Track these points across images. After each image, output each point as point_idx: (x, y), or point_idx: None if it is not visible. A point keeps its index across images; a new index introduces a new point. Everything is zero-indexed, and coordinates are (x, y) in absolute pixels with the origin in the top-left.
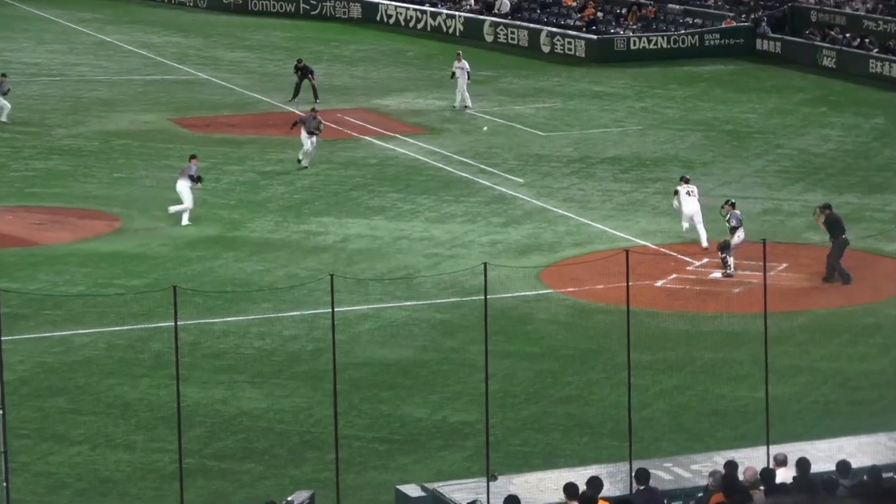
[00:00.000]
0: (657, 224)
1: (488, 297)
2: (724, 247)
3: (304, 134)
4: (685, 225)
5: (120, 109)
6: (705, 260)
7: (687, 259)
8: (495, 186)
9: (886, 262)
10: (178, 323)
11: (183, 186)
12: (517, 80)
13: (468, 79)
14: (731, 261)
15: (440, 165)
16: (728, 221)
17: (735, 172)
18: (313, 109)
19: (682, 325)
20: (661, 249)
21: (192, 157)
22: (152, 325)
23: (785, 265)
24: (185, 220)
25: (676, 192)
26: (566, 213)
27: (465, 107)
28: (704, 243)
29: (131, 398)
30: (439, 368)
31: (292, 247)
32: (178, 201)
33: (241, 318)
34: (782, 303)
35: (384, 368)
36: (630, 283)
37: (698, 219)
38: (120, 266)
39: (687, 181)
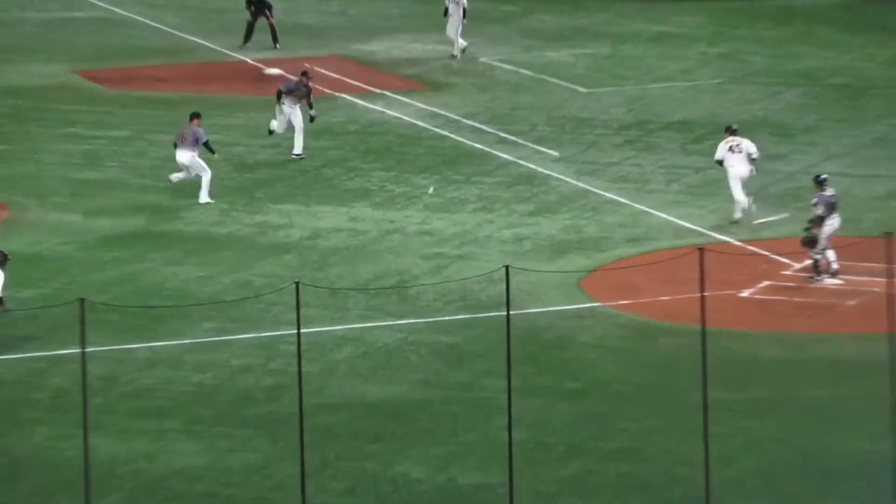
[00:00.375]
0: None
1: (511, 312)
2: (809, 242)
3: (286, 107)
4: (739, 198)
5: (8, 59)
6: (808, 261)
7: (784, 260)
8: (521, 162)
9: None
10: (87, 349)
11: (188, 158)
12: (549, 17)
13: (464, 17)
14: (830, 255)
15: (445, 133)
16: (813, 207)
17: (848, 141)
18: (304, 74)
19: (777, 350)
20: (748, 247)
21: (195, 116)
22: (51, 353)
23: None
24: (204, 197)
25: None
26: (617, 198)
27: (453, 55)
28: (737, 213)
29: (21, 454)
30: (445, 411)
31: (243, 245)
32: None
33: (173, 342)
34: None
35: (369, 411)
36: (706, 294)
37: (739, 186)
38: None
39: (734, 132)
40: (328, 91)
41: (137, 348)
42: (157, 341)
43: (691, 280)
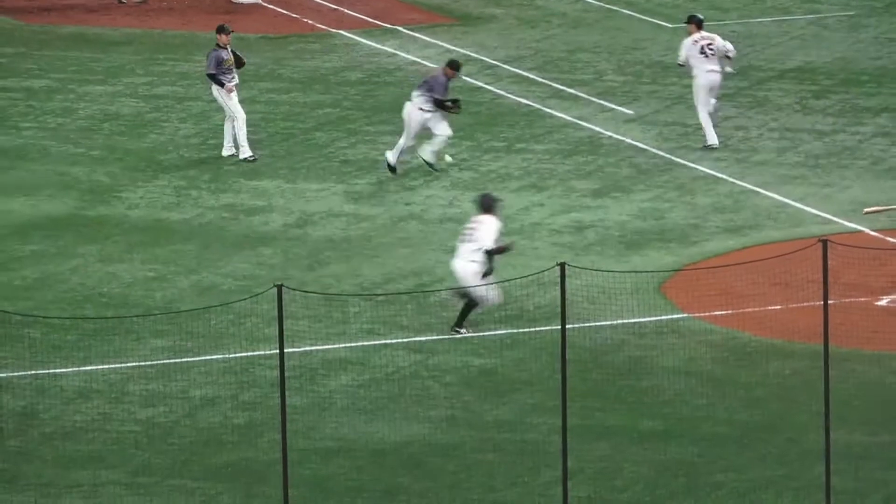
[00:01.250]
0: (881, 193)
1: (568, 326)
2: None
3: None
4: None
5: None
6: None
7: None
8: (582, 123)
9: None
10: None
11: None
12: None
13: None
14: None
15: (481, 84)
16: None
17: None
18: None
19: None
20: (889, 239)
21: (452, 64)
22: None
23: None
24: (446, 158)
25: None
26: (712, 173)
27: None
28: (709, 140)
29: None
30: (478, 459)
31: (206, 235)
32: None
33: (112, 365)
34: None
35: (376, 459)
36: (831, 302)
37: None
38: None
39: (699, 26)
40: (320, 26)
41: (65, 374)
42: (92, 365)
43: (811, 284)
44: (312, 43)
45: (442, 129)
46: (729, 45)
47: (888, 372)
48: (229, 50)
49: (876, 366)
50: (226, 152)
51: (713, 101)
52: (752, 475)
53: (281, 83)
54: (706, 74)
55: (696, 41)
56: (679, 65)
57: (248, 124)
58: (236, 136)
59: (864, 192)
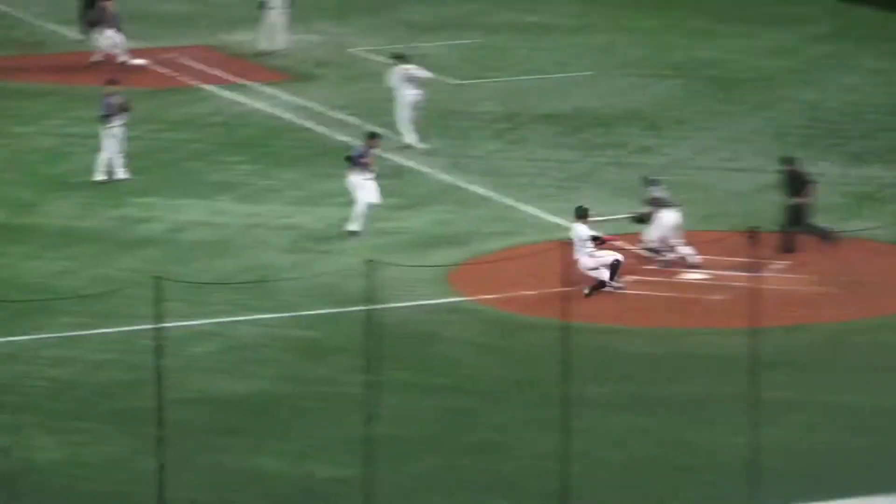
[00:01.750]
0: (610, 206)
1: (374, 307)
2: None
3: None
4: (406, 129)
5: None
6: (671, 255)
7: (648, 254)
8: (388, 155)
9: None
10: None
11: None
12: (420, 7)
13: (289, 6)
14: (684, 249)
15: (311, 126)
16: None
17: (721, 134)
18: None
19: (640, 345)
20: (615, 241)
21: (372, 136)
22: None
23: (785, 263)
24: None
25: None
26: (486, 192)
27: (263, 51)
28: (406, 140)
29: None
30: (304, 406)
31: (105, 238)
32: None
33: (29, 336)
34: (778, 315)
35: (228, 406)
36: (569, 288)
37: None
38: None
39: (405, 59)
40: (192, 82)
41: None
42: (14, 336)
43: (557, 275)
44: (186, 95)
45: (364, 196)
46: (426, 73)
47: (610, 340)
48: (118, 97)
49: (603, 336)
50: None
51: (411, 114)
52: (510, 418)
53: (162, 125)
54: (407, 96)
55: (400, 72)
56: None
57: (135, 156)
58: (111, 160)
59: (598, 207)
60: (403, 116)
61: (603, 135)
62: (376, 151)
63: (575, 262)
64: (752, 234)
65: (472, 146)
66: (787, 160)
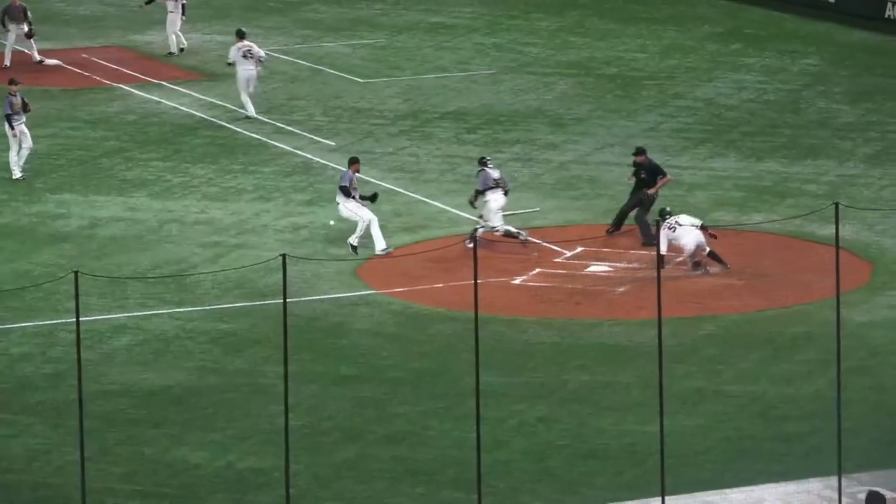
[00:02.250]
0: (515, 201)
1: (288, 300)
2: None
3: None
4: (246, 100)
5: None
6: (579, 249)
7: (555, 248)
8: (297, 152)
9: (820, 251)
10: None
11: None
12: (326, 7)
13: (183, 13)
14: (512, 229)
15: (223, 123)
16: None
17: (619, 131)
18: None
19: (548, 336)
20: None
21: (355, 161)
22: None
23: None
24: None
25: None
26: (393, 188)
27: (171, 53)
28: (249, 113)
29: None
30: (223, 398)
31: (21, 235)
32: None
33: None
34: (683, 306)
35: (148, 398)
36: (479, 281)
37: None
38: None
39: (242, 37)
40: (105, 81)
41: None
42: None
43: (465, 268)
44: (100, 94)
45: (366, 215)
46: (262, 52)
47: (519, 331)
48: (18, 97)
49: (512, 327)
50: (16, 176)
51: (250, 88)
52: (424, 407)
53: (76, 123)
54: (244, 71)
55: (239, 48)
56: (228, 63)
57: (51, 154)
58: (18, 160)
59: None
60: (241, 89)
61: (508, 131)
62: (358, 175)
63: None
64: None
65: (378, 143)
66: (639, 151)
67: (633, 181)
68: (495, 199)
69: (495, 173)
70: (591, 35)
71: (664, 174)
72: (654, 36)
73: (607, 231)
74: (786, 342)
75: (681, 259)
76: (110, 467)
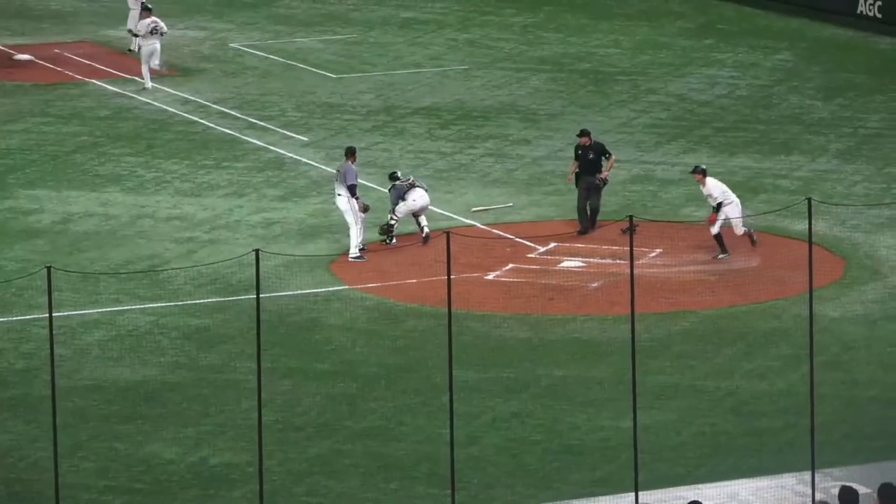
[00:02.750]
0: (488, 196)
1: (261, 296)
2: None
3: None
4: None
5: None
6: (552, 244)
7: (528, 243)
8: (270, 147)
9: (794, 246)
10: None
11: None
12: (299, 2)
13: (142, 8)
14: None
15: (195, 119)
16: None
17: (592, 126)
18: None
19: (521, 331)
20: (494, 230)
21: (350, 151)
22: None
23: (659, 251)
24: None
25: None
26: (366, 183)
27: (130, 49)
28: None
29: None
30: (196, 393)
31: None
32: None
33: None
34: (655, 301)
35: (121, 393)
36: (452, 277)
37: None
38: None
39: (149, 12)
40: (77, 77)
41: None
42: None
43: (438, 263)
44: (72, 89)
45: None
46: (165, 27)
47: (493, 327)
48: None
49: (485, 323)
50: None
51: (154, 62)
52: (397, 403)
53: (49, 118)
54: (150, 45)
55: (149, 23)
56: (132, 34)
57: (23, 149)
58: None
59: (475, 197)
60: (144, 62)
61: (481, 127)
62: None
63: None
64: (629, 224)
65: (351, 138)
66: (584, 132)
67: (575, 168)
68: (420, 195)
69: (406, 180)
70: (563, 31)
71: (610, 154)
72: (627, 31)
73: (578, 232)
74: (759, 337)
75: (742, 233)
76: (83, 463)
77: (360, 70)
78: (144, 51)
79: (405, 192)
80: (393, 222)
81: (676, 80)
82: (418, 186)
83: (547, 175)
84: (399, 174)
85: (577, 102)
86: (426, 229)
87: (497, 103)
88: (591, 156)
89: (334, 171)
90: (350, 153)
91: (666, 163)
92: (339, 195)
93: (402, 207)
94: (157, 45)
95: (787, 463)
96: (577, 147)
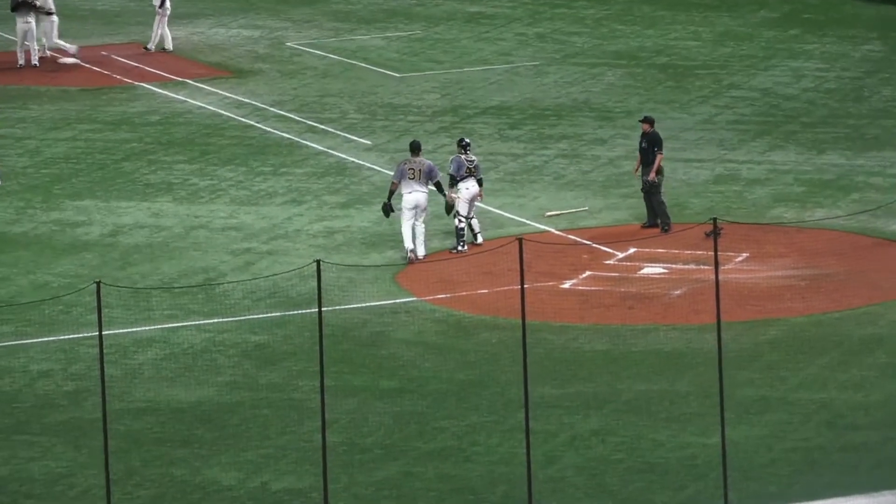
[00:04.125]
0: (562, 200)
1: (324, 309)
2: (449, 209)
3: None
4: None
5: None
6: (631, 250)
7: (606, 249)
8: (331, 151)
9: (889, 248)
10: None
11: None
12: None
13: (161, 5)
14: (465, 226)
15: (251, 122)
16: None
17: (672, 125)
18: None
19: (601, 343)
20: (569, 236)
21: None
22: None
23: (745, 255)
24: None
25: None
26: (433, 188)
27: (147, 48)
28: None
29: None
30: (255, 414)
31: (40, 244)
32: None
33: None
34: (742, 309)
35: (176, 416)
36: (526, 286)
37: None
38: None
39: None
40: (126, 80)
41: None
42: None
43: (511, 272)
44: (121, 93)
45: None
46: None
47: (570, 339)
48: None
49: (561, 334)
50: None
51: (27, 41)
52: (469, 421)
53: (96, 124)
54: (23, 24)
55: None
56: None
57: (70, 158)
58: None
59: (548, 201)
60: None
61: (554, 126)
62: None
63: None
64: (713, 227)
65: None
66: (647, 119)
67: (640, 160)
68: (467, 187)
69: (471, 159)
70: (639, 23)
71: (658, 150)
72: (707, 23)
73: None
74: (854, 346)
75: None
76: (137, 490)
77: (425, 68)
78: (19, 27)
79: (462, 169)
80: (462, 225)
81: (760, 74)
82: (473, 175)
83: (624, 176)
84: (468, 143)
85: (655, 99)
86: (479, 236)
87: (570, 101)
88: (644, 145)
89: (404, 169)
90: (463, 146)
91: (751, 161)
92: (419, 192)
93: (462, 205)
94: (32, 25)
95: (886, 480)
96: (643, 134)
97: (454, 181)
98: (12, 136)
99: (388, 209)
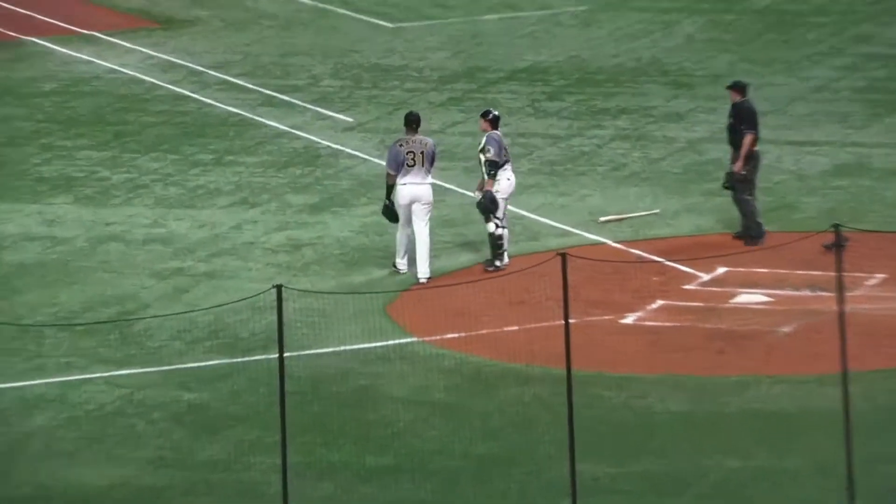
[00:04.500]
0: (622, 200)
1: (286, 354)
2: (486, 206)
3: None
4: None
5: None
6: (721, 269)
7: (684, 269)
8: (297, 132)
9: None
10: None
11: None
12: None
13: None
14: (504, 232)
15: (185, 92)
16: (482, 153)
17: (775, 93)
18: None
19: (678, 402)
20: (633, 250)
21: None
22: None
23: (881, 276)
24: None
25: None
26: (440, 183)
27: None
28: None
29: None
30: (191, 503)
31: None
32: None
33: None
34: (877, 353)
35: None
36: (572, 320)
37: None
38: None
39: None
40: (11, 33)
41: None
42: None
43: (551, 301)
44: (2, 52)
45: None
46: None
47: (635, 396)
48: None
49: (621, 390)
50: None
51: None
52: None
53: None
54: None
55: None
56: None
57: None
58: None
59: (604, 200)
60: None
61: (609, 97)
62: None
63: None
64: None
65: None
66: (736, 84)
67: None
68: (509, 178)
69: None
70: None
71: (748, 129)
72: None
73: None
74: None
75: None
76: None
77: (428, 16)
78: None
79: (503, 151)
80: (500, 231)
81: (894, 23)
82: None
83: (709, 166)
84: (499, 118)
85: (752, 58)
86: (505, 254)
87: (632, 62)
88: (731, 121)
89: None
90: (492, 118)
91: (886, 144)
92: (418, 184)
93: (500, 202)
94: None
95: None
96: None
97: (494, 169)
98: None
99: (392, 213)
